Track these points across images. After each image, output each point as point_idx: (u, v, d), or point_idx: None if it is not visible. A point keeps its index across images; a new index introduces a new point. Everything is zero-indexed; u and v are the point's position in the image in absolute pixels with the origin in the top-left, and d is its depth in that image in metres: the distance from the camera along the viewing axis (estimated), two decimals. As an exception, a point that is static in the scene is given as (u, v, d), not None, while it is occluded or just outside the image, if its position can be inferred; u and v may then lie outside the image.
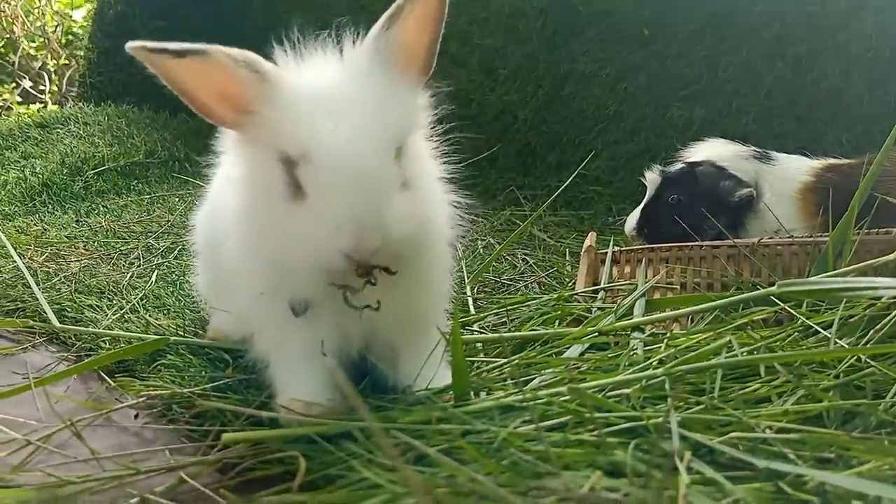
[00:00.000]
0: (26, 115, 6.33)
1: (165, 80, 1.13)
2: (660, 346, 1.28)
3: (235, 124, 1.19)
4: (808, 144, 2.74)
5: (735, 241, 1.61)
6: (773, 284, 1.53)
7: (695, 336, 1.26)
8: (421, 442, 1.03)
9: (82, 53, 4.92)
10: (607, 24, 3.29)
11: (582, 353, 1.36)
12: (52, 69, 8.11)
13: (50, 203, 3.16)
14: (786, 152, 2.75)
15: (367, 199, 1.07)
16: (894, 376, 1.14)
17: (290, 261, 1.15)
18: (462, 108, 3.86)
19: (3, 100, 7.91)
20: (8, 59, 8.00)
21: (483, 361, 1.43)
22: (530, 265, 2.34)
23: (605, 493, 0.84)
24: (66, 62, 7.87)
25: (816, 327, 1.30)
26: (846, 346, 1.23)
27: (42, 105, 7.95)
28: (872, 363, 1.17)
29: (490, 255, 2.45)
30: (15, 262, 2.25)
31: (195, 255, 1.75)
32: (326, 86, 1.14)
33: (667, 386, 1.10)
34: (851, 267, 1.30)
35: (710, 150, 2.02)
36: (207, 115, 1.18)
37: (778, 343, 1.26)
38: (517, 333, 1.44)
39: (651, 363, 1.19)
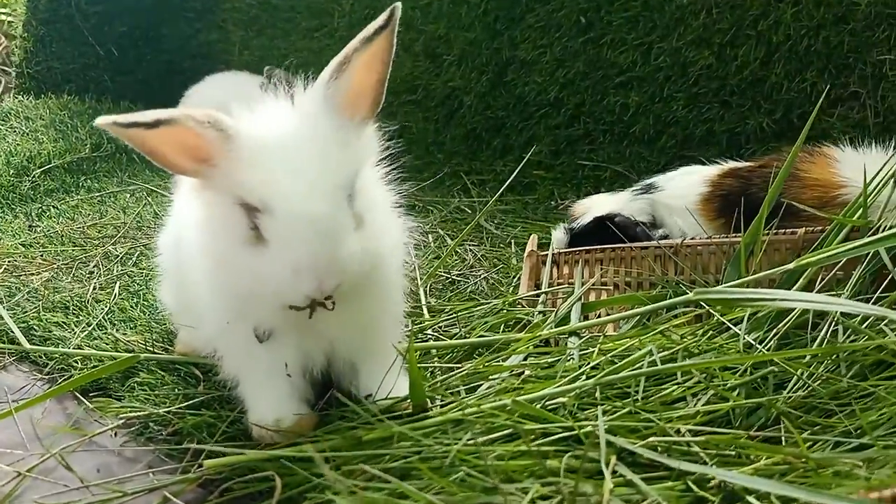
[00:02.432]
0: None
1: (135, 146, 1.21)
2: (593, 352, 1.43)
3: (197, 173, 1.27)
4: (733, 128, 2.94)
5: (660, 242, 1.78)
6: (694, 282, 1.71)
7: (622, 342, 1.42)
8: (380, 462, 1.17)
9: (16, 42, 4.79)
10: (546, 11, 3.39)
11: (525, 359, 1.51)
12: None
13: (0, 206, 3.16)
14: (712, 138, 2.95)
15: (323, 244, 1.18)
16: (793, 371, 1.32)
17: (255, 299, 1.27)
18: (409, 94, 3.95)
19: None
20: None
21: (437, 367, 1.57)
22: (478, 258, 2.48)
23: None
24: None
25: (728, 324, 1.47)
26: (754, 343, 1.40)
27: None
28: (776, 360, 1.34)
29: (441, 248, 2.58)
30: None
31: (161, 274, 1.83)
32: (280, 137, 1.23)
33: (597, 394, 1.26)
34: (760, 274, 1.47)
35: (604, 205, 2.15)
36: (169, 168, 1.26)
37: (695, 341, 1.43)
38: (466, 341, 1.58)
39: (584, 371, 1.35)
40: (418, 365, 1.34)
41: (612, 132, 3.26)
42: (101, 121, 1.16)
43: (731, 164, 2.08)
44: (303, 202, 1.19)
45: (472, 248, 2.61)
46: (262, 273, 1.21)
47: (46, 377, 1.82)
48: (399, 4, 1.26)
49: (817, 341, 1.37)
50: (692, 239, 1.79)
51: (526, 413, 1.23)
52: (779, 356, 1.27)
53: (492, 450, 1.13)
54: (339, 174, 1.24)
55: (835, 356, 1.35)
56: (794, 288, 1.52)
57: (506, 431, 1.21)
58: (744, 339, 1.41)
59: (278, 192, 1.19)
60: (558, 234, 2.08)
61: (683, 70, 3.02)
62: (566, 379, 1.33)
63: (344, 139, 1.26)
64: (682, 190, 2.01)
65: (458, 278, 2.30)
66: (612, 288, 1.79)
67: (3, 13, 5.14)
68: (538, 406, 1.25)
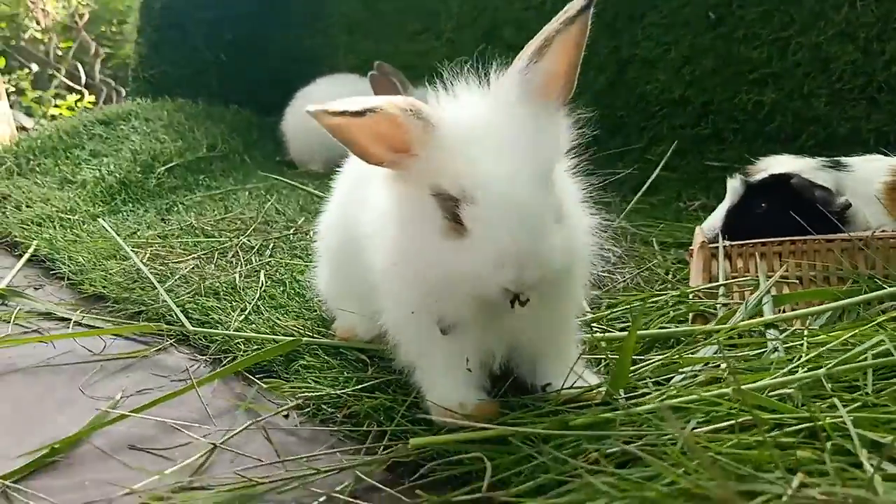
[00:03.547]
0: (73, 110, 6.43)
1: (336, 136, 1.19)
2: (799, 344, 1.34)
3: (393, 164, 1.24)
4: (881, 127, 2.78)
5: (850, 234, 1.66)
6: (888, 276, 1.59)
7: (836, 334, 1.32)
8: (599, 445, 1.11)
9: (132, 47, 4.99)
10: (670, 9, 3.30)
11: (715, 352, 1.43)
12: (59, 53, 8.19)
13: (130, 201, 3.25)
14: (857, 137, 2.80)
15: (528, 235, 1.13)
16: None
17: (450, 292, 1.23)
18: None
19: (15, 85, 8.02)
20: (11, 43, 8.11)
21: (609, 360, 1.50)
22: (619, 257, 2.40)
23: (808, 491, 0.91)
24: (67, 45, 7.94)
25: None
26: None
27: (79, 97, 8.06)
28: None
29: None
30: (123, 263, 2.36)
31: (319, 258, 1.83)
32: (481, 124, 1.19)
33: (827, 385, 1.16)
34: None
35: (787, 164, 2.06)
36: (366, 158, 1.23)
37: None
38: (663, 331, 1.51)
39: (800, 363, 1.26)
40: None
41: (744, 131, 3.14)
42: (313, 108, 1.15)
43: (918, 155, 1.96)
44: (507, 188, 1.14)
45: (610, 247, 2.53)
46: (461, 264, 1.17)
47: (209, 359, 1.83)
48: None
49: None
50: (883, 231, 1.67)
51: (753, 403, 1.14)
52: None
53: (723, 437, 1.06)
54: (541, 160, 1.19)
55: None
56: None
57: (728, 423, 1.13)
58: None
59: (482, 178, 1.14)
60: (734, 184, 2.00)
61: (825, 65, 2.89)
62: (782, 371, 1.24)
63: (542, 125, 1.22)
64: (869, 175, 1.90)
65: (603, 275, 2.22)
66: (795, 282, 1.68)
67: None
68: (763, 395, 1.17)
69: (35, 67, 8.34)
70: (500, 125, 1.19)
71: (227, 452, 1.41)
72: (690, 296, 1.68)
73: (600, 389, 1.33)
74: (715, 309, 1.59)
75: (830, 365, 1.19)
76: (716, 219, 2.05)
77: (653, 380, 1.41)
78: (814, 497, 0.89)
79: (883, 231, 1.68)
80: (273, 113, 4.65)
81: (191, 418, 1.55)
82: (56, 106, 7.79)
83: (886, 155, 2.03)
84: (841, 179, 1.94)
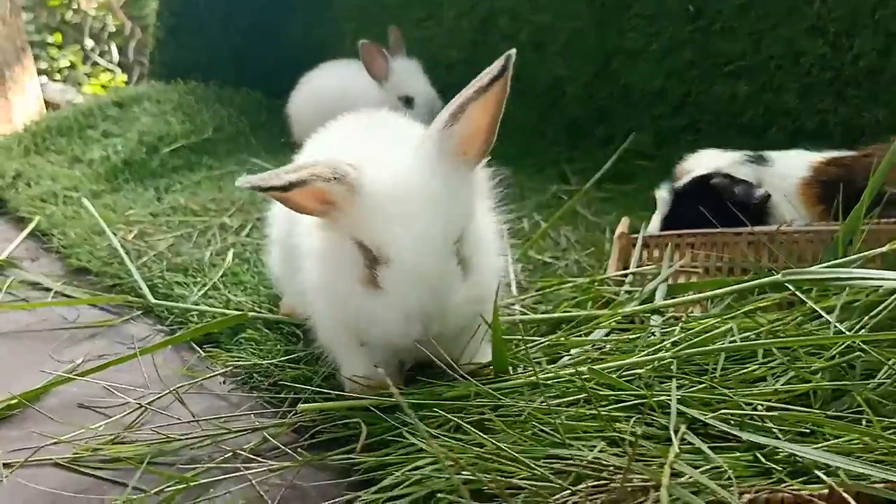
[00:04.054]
0: (105, 88, 6.68)
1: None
2: (674, 330, 1.45)
3: (321, 214, 1.35)
4: (848, 121, 2.81)
5: (754, 228, 1.75)
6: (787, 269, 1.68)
7: (705, 321, 1.43)
8: (460, 414, 1.25)
9: (151, 31, 5.20)
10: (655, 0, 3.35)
11: (607, 335, 1.54)
12: (113, 31, 8.49)
13: (132, 181, 3.45)
14: (824, 130, 2.83)
15: (433, 297, 1.26)
16: (882, 359, 1.28)
17: (364, 334, 1.37)
18: (512, 83, 3.98)
19: (70, 62, 8.36)
20: (68, 20, 8.44)
21: (521, 339, 1.62)
22: (572, 243, 2.51)
23: (606, 459, 1.03)
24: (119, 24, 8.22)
25: (819, 311, 1.44)
26: (844, 331, 1.37)
27: (111, 76, 8.36)
28: (864, 346, 1.31)
29: (535, 232, 2.62)
30: (110, 240, 2.55)
31: (271, 242, 1.98)
32: (398, 189, 1.27)
33: (673, 367, 1.28)
34: (854, 256, 1.44)
35: (709, 162, 2.11)
36: (299, 211, 1.35)
37: (782, 327, 1.41)
38: (549, 315, 1.63)
39: (663, 346, 1.37)
40: (503, 336, 1.40)
41: (719, 122, 3.20)
42: (242, 182, 1.25)
43: (834, 153, 2.01)
44: (416, 255, 1.25)
45: (566, 233, 2.64)
46: (374, 314, 1.30)
47: (167, 329, 2.01)
48: (514, 51, 1.28)
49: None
50: (788, 226, 1.75)
51: (601, 382, 1.26)
52: (862, 338, 1.25)
53: (564, 410, 1.18)
54: (450, 225, 1.29)
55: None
56: None
57: (580, 397, 1.26)
58: (834, 325, 1.39)
59: (394, 243, 1.26)
60: (662, 194, 2.07)
61: (796, 60, 2.92)
62: (644, 353, 1.36)
63: (457, 186, 1.32)
64: (788, 170, 1.96)
65: (551, 260, 2.34)
66: (702, 272, 1.78)
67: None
68: (614, 376, 1.28)
69: (91, 43, 8.67)
70: (415, 190, 1.28)
71: (161, 414, 1.57)
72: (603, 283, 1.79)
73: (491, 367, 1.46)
74: (617, 295, 1.70)
75: (676, 350, 1.30)
76: (652, 229, 2.11)
77: (547, 359, 1.53)
78: (608, 464, 1.01)
79: (788, 225, 1.76)
80: (283, 96, 4.82)
81: (139, 382, 1.72)
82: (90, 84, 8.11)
83: (808, 150, 2.08)
84: (761, 174, 2.00)
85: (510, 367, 1.45)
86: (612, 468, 0.98)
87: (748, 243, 1.76)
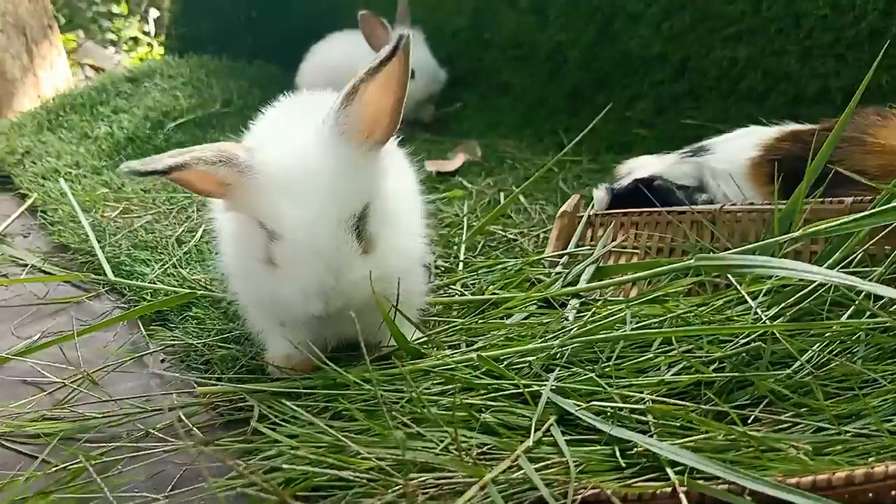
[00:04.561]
0: (142, 60, 6.80)
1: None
2: (584, 315, 1.40)
3: (220, 196, 1.36)
4: (849, 85, 2.64)
5: (694, 207, 1.67)
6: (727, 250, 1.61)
7: (612, 307, 1.38)
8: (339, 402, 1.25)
9: (166, 8, 5.26)
10: (655, -42, 3.21)
11: (526, 318, 1.51)
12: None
13: (133, 156, 3.51)
14: (826, 95, 2.68)
15: (328, 273, 1.27)
16: (790, 348, 1.22)
17: (272, 310, 1.40)
18: (514, 50, 3.90)
19: (119, 36, 8.56)
20: None
21: (443, 320, 1.61)
22: (545, 217, 2.45)
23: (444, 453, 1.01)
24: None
25: (744, 295, 1.38)
26: (763, 315, 1.31)
27: (149, 48, 8.53)
28: (776, 335, 1.25)
29: (511, 207, 2.57)
30: (92, 216, 2.63)
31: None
32: (290, 169, 1.29)
33: (560, 357, 1.24)
34: (771, 240, 1.36)
35: (649, 167, 2.01)
36: (196, 193, 1.38)
37: (695, 313, 1.36)
38: (467, 298, 1.61)
39: (562, 332, 1.33)
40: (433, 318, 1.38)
41: (719, 88, 3.06)
42: (123, 168, 1.24)
43: (793, 127, 1.89)
44: (307, 234, 1.27)
45: (544, 207, 2.59)
46: (276, 291, 1.32)
47: (126, 306, 2.06)
48: (408, 32, 1.27)
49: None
50: (733, 205, 1.67)
51: (488, 369, 1.24)
52: (758, 328, 1.19)
53: (435, 399, 1.17)
54: (346, 204, 1.30)
55: (844, 338, 1.23)
56: (828, 264, 1.39)
57: (454, 386, 1.24)
58: (755, 311, 1.32)
59: (286, 222, 1.27)
60: (599, 193, 2.00)
61: (797, 22, 2.75)
62: (541, 339, 1.32)
63: (355, 166, 1.32)
64: (731, 154, 1.86)
65: (517, 237, 2.29)
66: (641, 253, 1.72)
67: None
68: (504, 363, 1.26)
69: (155, 13, 8.84)
70: (306, 169, 1.29)
71: (96, 392, 1.62)
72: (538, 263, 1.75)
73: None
74: (548, 276, 1.66)
75: (565, 338, 1.26)
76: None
77: (465, 340, 1.51)
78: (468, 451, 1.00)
79: (732, 205, 1.67)
80: (298, 67, 4.83)
81: (86, 358, 1.78)
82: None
83: (765, 125, 1.96)
84: (703, 165, 1.90)
85: (420, 350, 1.44)
86: (442, 465, 0.96)
87: (691, 223, 1.68)
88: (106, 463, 1.34)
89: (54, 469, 1.32)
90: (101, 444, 1.39)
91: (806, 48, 2.74)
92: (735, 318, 1.36)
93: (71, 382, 1.63)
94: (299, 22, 5.26)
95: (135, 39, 8.66)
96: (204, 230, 2.44)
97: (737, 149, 1.86)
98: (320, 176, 1.29)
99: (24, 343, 1.86)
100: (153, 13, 8.64)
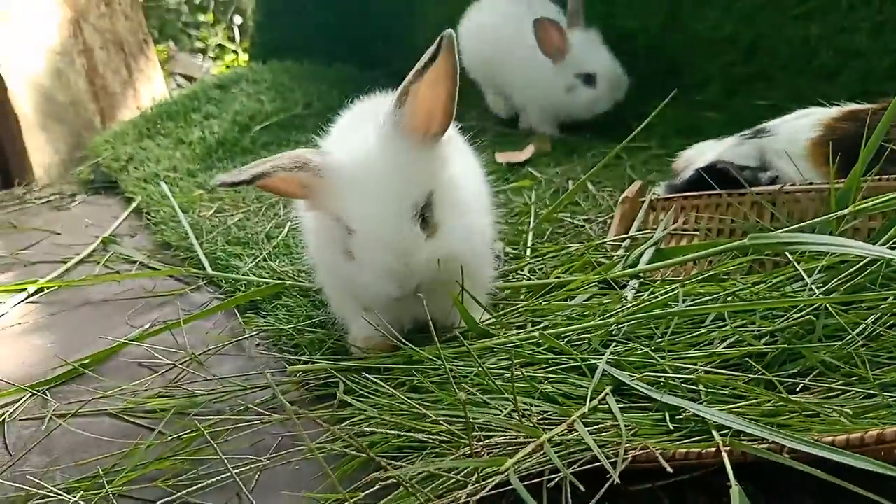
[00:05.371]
0: (229, 68, 7.15)
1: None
2: (642, 295, 1.48)
3: (304, 197, 1.53)
4: (924, 60, 2.59)
5: (754, 189, 1.71)
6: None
7: (669, 286, 1.45)
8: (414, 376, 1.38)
9: (250, 17, 5.53)
10: (721, -58, 3.19)
11: (588, 300, 1.60)
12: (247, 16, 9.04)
13: (224, 159, 3.77)
14: (893, 71, 2.62)
15: (396, 259, 1.41)
16: (841, 322, 1.27)
17: (353, 297, 1.57)
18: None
19: (206, 44, 9.02)
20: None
21: (510, 303, 1.72)
22: (610, 204, 2.51)
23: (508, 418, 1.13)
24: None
25: (800, 271, 1.43)
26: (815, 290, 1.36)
27: (234, 56, 8.94)
28: (829, 308, 1.30)
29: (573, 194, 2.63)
30: (191, 216, 2.86)
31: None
32: (356, 168, 1.44)
33: (622, 331, 1.33)
34: (823, 218, 1.40)
35: (707, 154, 2.03)
36: (283, 196, 1.54)
37: (751, 289, 1.42)
38: (528, 283, 1.71)
39: (620, 311, 1.42)
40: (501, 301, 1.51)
41: (790, 68, 3.02)
42: (215, 182, 1.43)
43: (852, 106, 1.89)
44: (375, 226, 1.42)
45: (612, 193, 2.64)
46: (355, 279, 1.48)
47: (223, 297, 2.26)
48: (451, 31, 1.36)
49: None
50: (792, 185, 1.70)
51: (550, 346, 1.35)
52: (805, 301, 1.24)
53: (503, 372, 1.28)
54: (408, 195, 1.43)
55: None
56: (883, 240, 1.42)
57: (519, 361, 1.35)
58: (810, 287, 1.37)
59: (356, 217, 1.43)
60: (662, 192, 2.04)
61: (868, -3, 2.71)
62: (601, 319, 1.41)
63: (415, 159, 1.45)
64: (792, 135, 1.87)
65: (583, 223, 2.37)
66: (702, 235, 1.77)
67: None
68: (565, 340, 1.36)
69: (239, 20, 9.30)
70: (372, 167, 1.43)
71: (201, 372, 1.82)
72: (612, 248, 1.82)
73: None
74: (609, 259, 1.74)
75: (620, 315, 1.35)
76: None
77: (530, 321, 1.62)
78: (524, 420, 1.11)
79: (792, 185, 1.70)
80: (377, 67, 5.01)
81: (191, 344, 1.98)
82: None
83: (823, 105, 1.96)
84: (764, 146, 1.91)
85: (488, 331, 1.55)
86: (503, 427, 1.08)
87: (752, 204, 1.73)
88: (213, 433, 1.52)
89: (169, 439, 1.50)
90: (209, 417, 1.57)
91: (877, 24, 2.68)
92: (790, 294, 1.41)
93: (180, 364, 1.82)
94: (375, 24, 5.44)
95: (221, 47, 9.11)
96: (290, 226, 2.63)
97: (797, 129, 1.88)
98: (382, 172, 1.43)
99: (137, 331, 2.08)
100: (237, 20, 9.06)
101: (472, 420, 1.10)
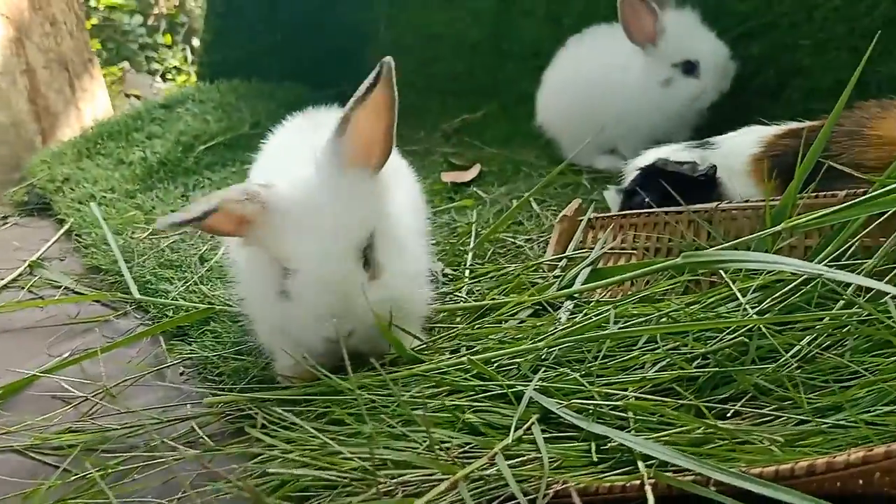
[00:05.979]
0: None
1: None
2: (575, 317, 1.43)
3: (240, 234, 1.44)
4: (863, 76, 2.59)
5: (693, 206, 1.68)
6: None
7: (601, 307, 1.40)
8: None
9: (198, 36, 5.44)
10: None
11: (521, 322, 1.54)
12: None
13: (165, 179, 3.65)
14: (839, 90, 2.63)
15: (338, 299, 1.34)
16: (774, 343, 1.23)
17: (285, 341, 1.48)
18: (533, 60, 3.92)
19: (163, 66, 8.89)
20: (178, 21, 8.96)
21: (445, 326, 1.65)
22: (553, 224, 2.47)
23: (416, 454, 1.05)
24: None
25: (738, 292, 1.39)
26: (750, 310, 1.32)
27: (186, 77, 8.80)
28: (764, 330, 1.26)
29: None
30: (122, 239, 2.74)
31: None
32: (298, 205, 1.37)
33: (545, 358, 1.27)
34: (756, 235, 1.37)
35: (651, 156, 2.03)
36: (217, 234, 1.45)
37: (685, 310, 1.37)
38: (465, 304, 1.64)
39: (551, 333, 1.36)
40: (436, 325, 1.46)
41: (733, 86, 3.03)
42: (160, 224, 1.36)
43: (793, 124, 1.89)
44: (318, 265, 1.35)
45: (556, 213, 2.60)
46: (290, 321, 1.40)
47: (151, 323, 2.15)
48: (390, 59, 1.33)
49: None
50: (727, 203, 1.67)
51: (478, 372, 1.28)
52: (740, 322, 1.20)
53: (425, 401, 1.21)
54: (352, 234, 1.38)
55: (833, 331, 1.23)
56: (819, 257, 1.39)
57: (442, 389, 1.28)
58: (744, 307, 1.33)
59: (298, 257, 1.36)
60: (610, 195, 2.02)
61: (809, 15, 2.73)
62: (533, 342, 1.35)
63: (357, 195, 1.39)
64: (735, 149, 1.87)
65: (525, 243, 2.32)
66: (639, 254, 1.73)
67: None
68: (494, 366, 1.29)
69: (196, 42, 9.14)
70: (312, 204, 1.37)
71: (118, 404, 1.70)
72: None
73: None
74: (544, 280, 1.68)
75: (551, 339, 1.29)
76: None
77: (464, 344, 1.55)
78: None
79: (728, 203, 1.68)
80: (327, 88, 4.93)
81: (111, 373, 1.87)
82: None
83: (766, 125, 1.96)
84: (707, 158, 1.90)
85: (418, 357, 1.48)
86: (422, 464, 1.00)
87: (689, 223, 1.69)
88: (122, 471, 1.41)
89: (73, 478, 1.39)
90: (118, 455, 1.47)
91: (819, 42, 2.71)
92: (725, 314, 1.37)
93: (92, 396, 1.71)
94: (325, 44, 5.38)
95: (178, 69, 8.98)
96: (224, 250, 2.53)
97: (740, 145, 1.87)
98: (329, 208, 1.36)
99: (55, 360, 1.96)
100: (196, 42, 8.94)
101: (383, 456, 1.02)
